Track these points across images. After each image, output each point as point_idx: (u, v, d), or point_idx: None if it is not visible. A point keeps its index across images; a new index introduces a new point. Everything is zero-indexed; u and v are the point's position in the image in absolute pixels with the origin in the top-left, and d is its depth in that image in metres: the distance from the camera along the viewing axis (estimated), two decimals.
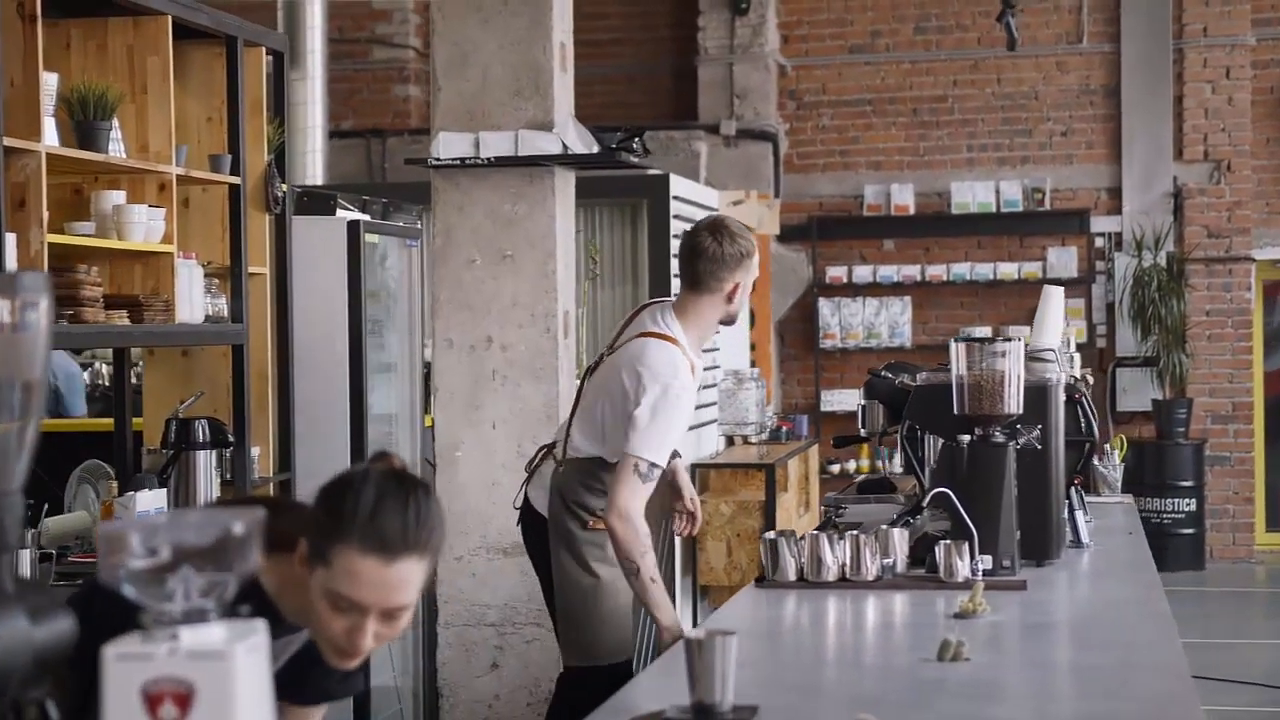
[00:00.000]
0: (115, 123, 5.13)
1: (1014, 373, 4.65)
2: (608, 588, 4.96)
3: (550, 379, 6.50)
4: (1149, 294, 13.04)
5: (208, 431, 5.65)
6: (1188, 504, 13.03)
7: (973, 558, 4.48)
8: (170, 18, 5.38)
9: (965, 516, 4.54)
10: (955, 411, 4.68)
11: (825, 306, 13.70)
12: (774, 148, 13.76)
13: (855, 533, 4.56)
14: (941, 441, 4.79)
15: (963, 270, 13.52)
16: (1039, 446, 4.81)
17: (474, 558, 6.61)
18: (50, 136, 4.83)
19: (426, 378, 7.02)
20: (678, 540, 8.26)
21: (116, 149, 5.14)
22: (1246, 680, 9.13)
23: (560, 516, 4.99)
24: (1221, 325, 13.42)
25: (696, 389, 4.97)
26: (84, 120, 4.98)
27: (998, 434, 4.68)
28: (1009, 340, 4.69)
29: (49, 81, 4.86)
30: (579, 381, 5.33)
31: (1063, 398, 4.97)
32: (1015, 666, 3.52)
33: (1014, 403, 4.66)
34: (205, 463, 5.65)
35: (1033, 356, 5.36)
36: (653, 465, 4.74)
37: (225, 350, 5.89)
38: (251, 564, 1.92)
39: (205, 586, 1.87)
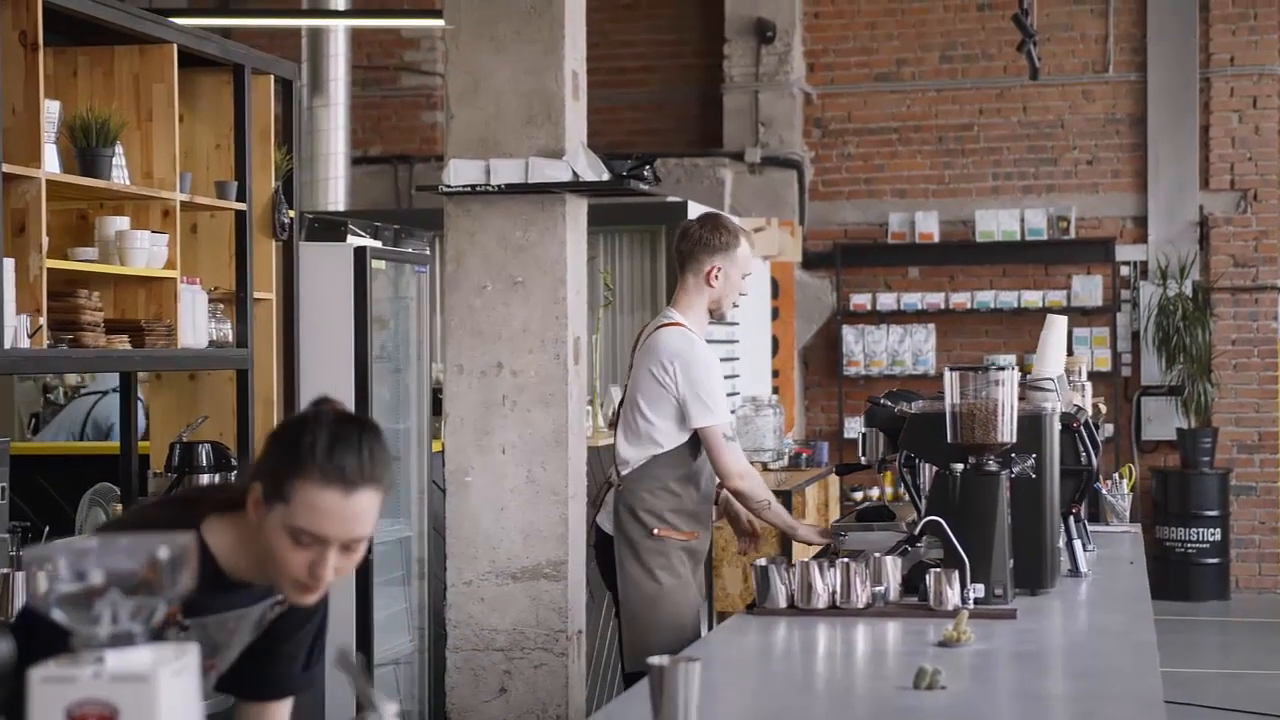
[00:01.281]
0: (119, 149, 5.18)
1: (1007, 402, 4.66)
2: (670, 594, 5.32)
3: (560, 405, 6.51)
4: (1174, 323, 13.00)
5: (211, 455, 5.69)
6: (1213, 534, 12.97)
7: (963, 586, 4.49)
8: (176, 46, 5.43)
9: (957, 544, 4.54)
10: (949, 440, 4.69)
11: (849, 334, 13.70)
12: (799, 175, 13.79)
13: (846, 560, 4.56)
14: (935, 470, 4.79)
15: (987, 298, 13.51)
16: (1033, 475, 4.81)
17: (483, 582, 6.62)
18: (51, 163, 4.89)
19: (434, 403, 7.05)
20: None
21: (120, 175, 5.19)
22: (1257, 711, 9.08)
23: (626, 526, 5.39)
24: (1248, 354, 13.37)
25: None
26: (86, 147, 5.03)
27: (991, 463, 4.68)
28: (1002, 369, 4.69)
29: (51, 109, 4.92)
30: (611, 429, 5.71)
31: (1058, 427, 4.97)
32: (989, 695, 3.52)
33: (1007, 431, 4.66)
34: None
35: (1032, 386, 5.36)
36: (730, 424, 5.31)
37: (231, 375, 5.93)
38: (182, 590, 1.94)
39: (133, 610, 1.89)
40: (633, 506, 5.40)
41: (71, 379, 8.52)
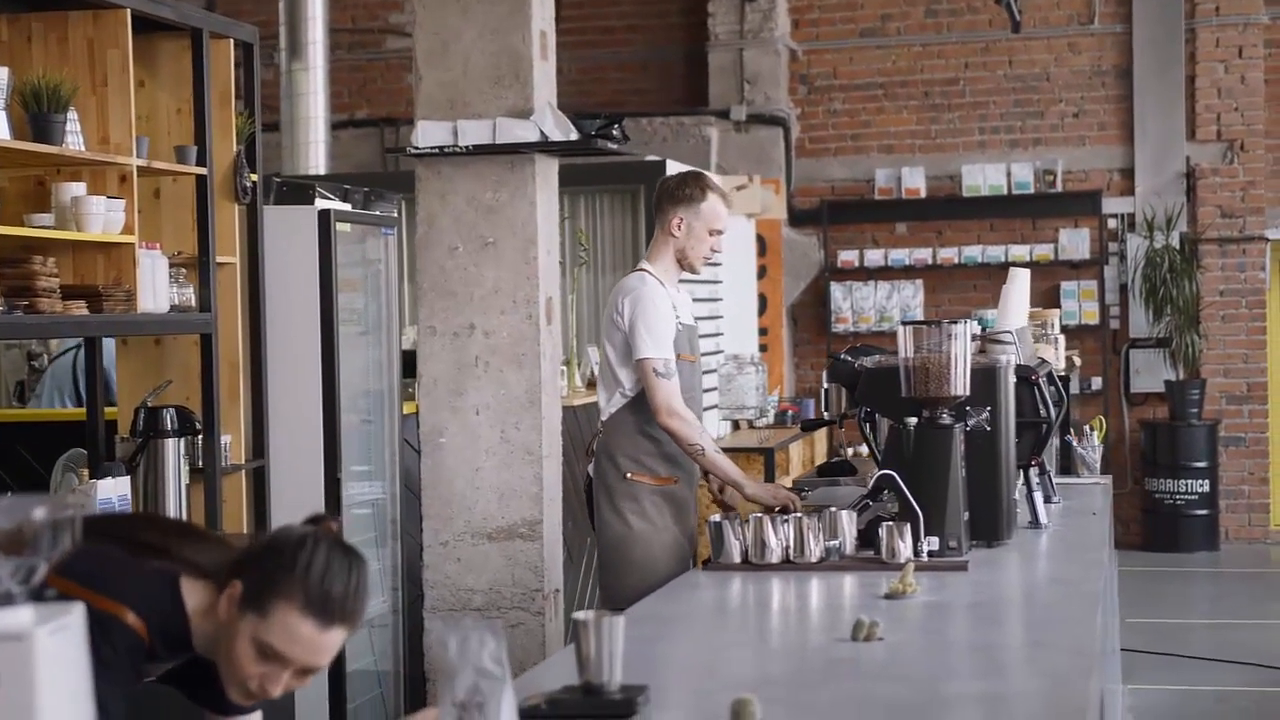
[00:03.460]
0: (73, 115, 5.18)
1: (960, 355, 4.67)
2: (640, 538, 5.44)
3: (533, 365, 6.51)
4: (1161, 275, 12.99)
5: (176, 420, 5.70)
6: (1201, 485, 12.99)
7: (916, 539, 4.50)
8: (129, 11, 5.41)
9: (910, 498, 4.56)
10: (903, 394, 4.70)
11: (837, 290, 13.70)
12: (785, 132, 13.76)
13: (799, 515, 4.58)
14: (889, 424, 4.81)
15: (974, 253, 13.50)
16: (988, 428, 4.83)
17: (459, 543, 6.64)
18: (1, 130, 4.88)
19: (404, 365, 7.06)
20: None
21: (75, 141, 5.19)
22: (1245, 661, 9.10)
23: (603, 471, 5.55)
24: (1235, 305, 13.36)
25: (673, 306, 5.55)
26: (38, 113, 5.03)
27: (945, 416, 4.70)
28: (954, 323, 4.70)
29: (0, 75, 4.91)
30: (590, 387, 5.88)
31: (1013, 380, 4.97)
32: (925, 646, 3.53)
33: (960, 385, 4.68)
34: (174, 450, 5.70)
35: (990, 338, 5.37)
36: (665, 361, 5.39)
37: (197, 339, 5.94)
38: (62, 549, 1.95)
39: (11, 570, 1.90)
40: (610, 451, 5.55)
41: (54, 345, 8.53)
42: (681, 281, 5.75)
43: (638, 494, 5.50)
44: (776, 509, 5.16)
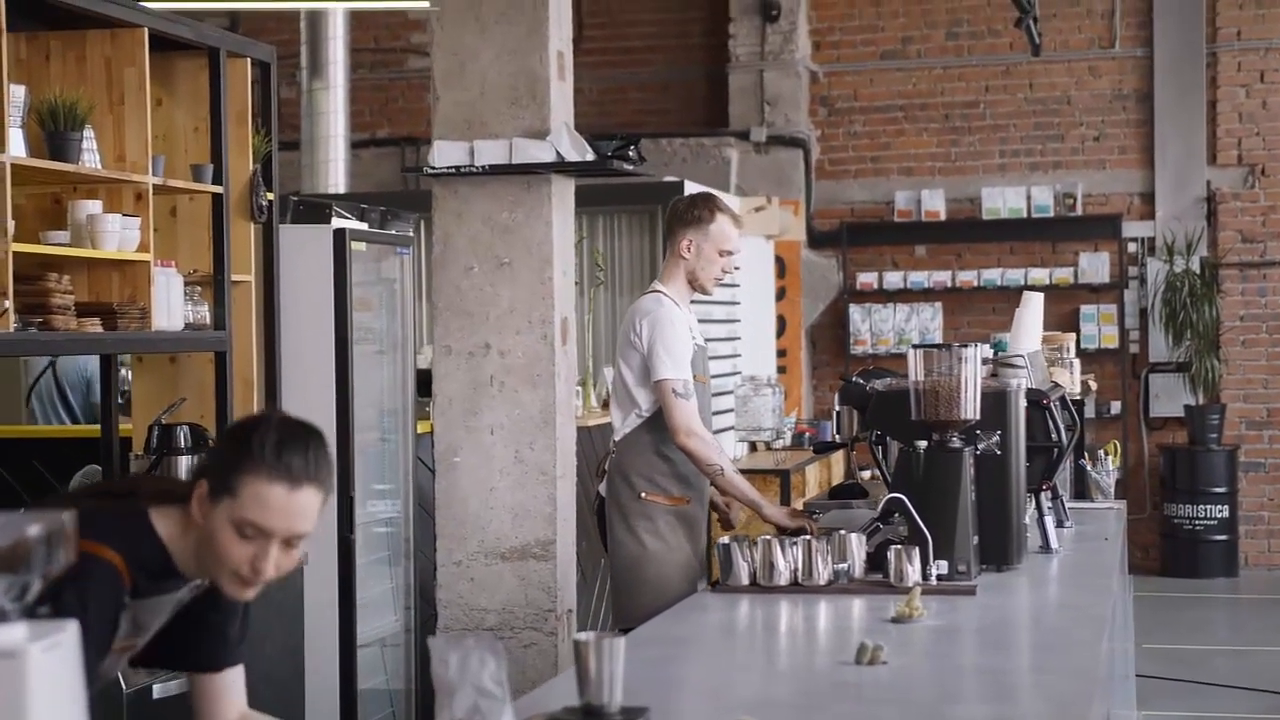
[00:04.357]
0: (89, 133, 5.21)
1: (971, 379, 4.67)
2: (654, 558, 5.48)
3: (548, 385, 6.52)
4: (1181, 299, 12.96)
5: (189, 437, 5.72)
6: (1220, 510, 12.94)
7: (925, 563, 4.50)
8: (147, 30, 5.45)
9: (920, 522, 4.56)
10: (913, 417, 4.70)
11: (856, 312, 13.69)
12: (805, 154, 13.78)
13: (808, 538, 4.58)
14: (900, 447, 4.81)
15: (994, 276, 13.48)
16: (998, 452, 4.82)
17: (472, 562, 6.64)
18: (17, 147, 4.91)
19: (420, 384, 7.07)
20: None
21: (91, 159, 5.22)
22: (1263, 689, 9.06)
23: (617, 490, 5.59)
24: (1256, 330, 13.32)
25: (689, 326, 5.61)
26: (55, 131, 5.06)
27: (955, 440, 4.69)
28: (965, 347, 4.70)
29: (16, 93, 4.94)
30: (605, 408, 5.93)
31: (1024, 404, 4.97)
32: (929, 670, 3.53)
33: (971, 408, 4.68)
34: (188, 468, 5.72)
35: (1003, 362, 5.37)
36: (684, 382, 5.43)
37: (211, 357, 5.96)
38: (58, 565, 1.96)
39: (4, 587, 1.91)
40: (625, 470, 5.58)
41: (34, 366, 8.57)
42: (694, 302, 5.77)
43: (652, 514, 5.53)
44: (788, 531, 5.17)
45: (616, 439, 5.67)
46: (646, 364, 5.50)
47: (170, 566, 2.95)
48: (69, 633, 1.96)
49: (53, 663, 1.91)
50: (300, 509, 2.87)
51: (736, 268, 5.87)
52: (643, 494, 5.54)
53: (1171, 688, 9.13)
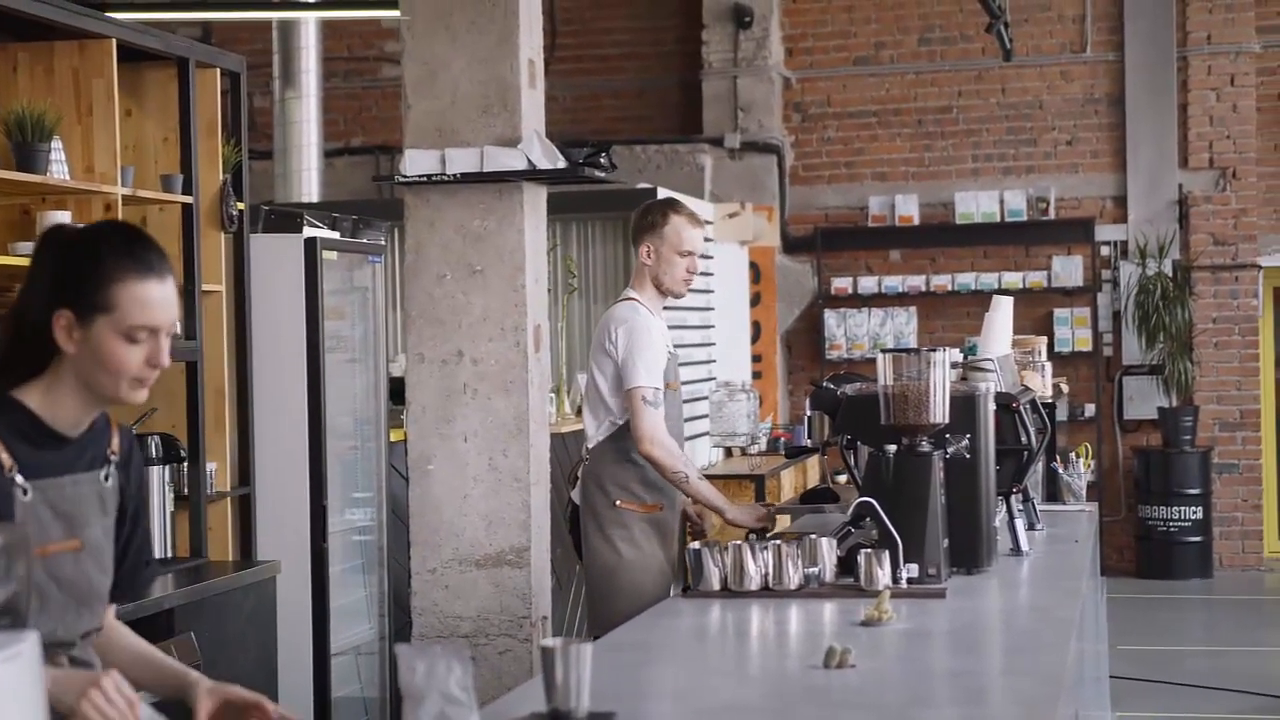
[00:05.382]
0: (58, 144, 5.21)
1: (939, 383, 4.68)
2: (630, 566, 5.51)
3: (520, 392, 6.52)
4: (1154, 302, 13.01)
5: (161, 447, 5.72)
6: (1194, 512, 12.99)
7: (895, 566, 4.51)
8: (115, 41, 5.45)
9: (890, 525, 4.57)
10: (882, 421, 4.72)
11: (831, 318, 13.72)
12: (779, 160, 13.80)
13: (778, 542, 4.59)
14: (869, 451, 4.82)
15: (968, 280, 13.52)
16: (968, 456, 4.84)
17: (446, 570, 6.64)
18: None
19: (393, 392, 7.07)
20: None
21: (60, 170, 5.22)
22: (1237, 689, 9.10)
23: (591, 497, 5.62)
24: (1228, 333, 13.37)
25: (663, 333, 5.67)
26: (23, 142, 5.06)
27: (924, 443, 4.71)
28: (933, 351, 4.72)
29: None
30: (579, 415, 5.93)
31: (992, 407, 4.99)
32: (897, 673, 3.54)
33: (940, 412, 4.69)
34: (159, 478, 5.72)
35: (972, 366, 5.39)
36: (655, 390, 5.46)
37: (182, 367, 5.96)
38: (17, 577, 1.97)
39: None
40: (599, 477, 5.62)
41: None
42: (667, 308, 5.79)
43: (627, 522, 5.57)
44: (757, 532, 5.19)
45: (590, 446, 5.70)
46: (620, 372, 5.52)
47: (45, 428, 2.94)
48: (29, 643, 1.97)
49: (12, 674, 1.92)
50: (171, 297, 2.95)
51: (706, 272, 5.89)
52: (617, 501, 5.58)
53: (1146, 689, 9.16)
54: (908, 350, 4.76)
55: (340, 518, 6.92)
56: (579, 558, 5.86)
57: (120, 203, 5.46)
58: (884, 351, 4.75)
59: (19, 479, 2.89)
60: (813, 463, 11.28)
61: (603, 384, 5.62)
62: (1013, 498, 5.32)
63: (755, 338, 13.17)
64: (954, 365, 5.05)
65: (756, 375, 13.00)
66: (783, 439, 10.98)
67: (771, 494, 9.57)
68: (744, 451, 10.47)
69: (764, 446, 10.72)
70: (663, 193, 10.00)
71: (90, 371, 2.92)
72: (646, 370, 5.49)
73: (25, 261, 5.18)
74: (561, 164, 6.58)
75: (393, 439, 7.12)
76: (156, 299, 2.91)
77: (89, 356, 2.91)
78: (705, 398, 10.16)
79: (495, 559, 6.29)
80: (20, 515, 2.87)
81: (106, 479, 3.06)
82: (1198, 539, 13.03)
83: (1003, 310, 5.88)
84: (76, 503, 2.99)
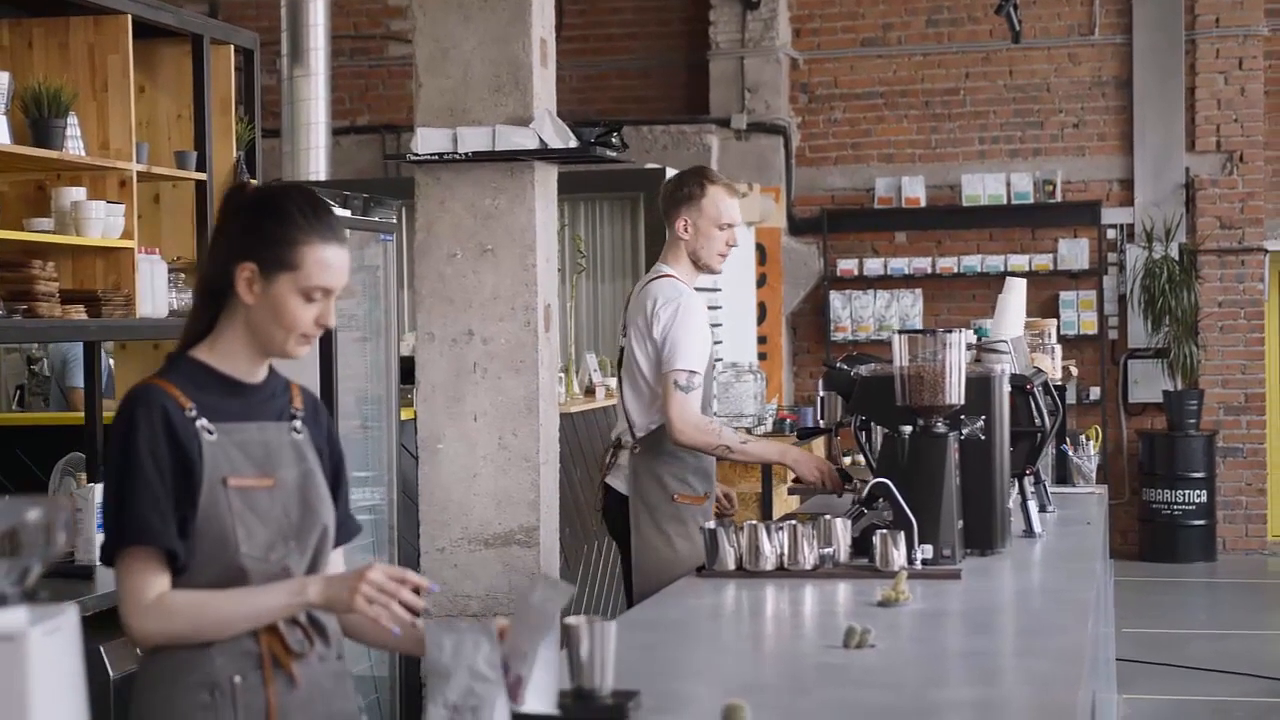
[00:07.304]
0: (73, 120, 5.20)
1: (955, 364, 4.68)
2: (683, 561, 5.25)
3: (531, 372, 6.52)
4: (1160, 285, 13.01)
5: None
6: (1199, 495, 13.00)
7: (910, 547, 4.51)
8: (130, 17, 5.44)
9: (905, 506, 4.58)
10: (898, 403, 4.72)
11: (836, 299, 13.72)
12: (785, 141, 13.79)
13: (793, 523, 4.59)
14: (883, 432, 4.82)
15: (974, 263, 13.52)
16: (982, 437, 4.84)
17: (456, 549, 6.65)
18: (1, 134, 4.91)
19: (403, 371, 7.07)
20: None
21: (75, 146, 5.22)
22: (1242, 671, 9.11)
23: (646, 490, 5.43)
24: (1234, 316, 13.37)
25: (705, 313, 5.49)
26: (39, 118, 5.05)
27: (939, 425, 4.71)
28: (949, 332, 4.72)
29: (0, 79, 4.94)
30: (616, 376, 5.79)
31: (1007, 389, 4.99)
32: (916, 654, 3.55)
33: (955, 393, 4.69)
34: None
35: (986, 348, 5.39)
36: (691, 374, 5.30)
37: None
38: (56, 549, 1.97)
39: (5, 571, 1.92)
40: (654, 469, 5.45)
41: (52, 349, 8.56)
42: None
43: (684, 517, 5.43)
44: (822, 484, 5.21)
45: (639, 434, 5.50)
46: (659, 352, 5.37)
47: (221, 376, 3.04)
48: (69, 616, 1.97)
49: (54, 646, 1.92)
50: (346, 262, 3.07)
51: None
52: (675, 495, 5.44)
53: (1151, 671, 9.18)
54: (924, 331, 4.75)
55: (350, 496, 6.91)
56: (618, 543, 5.70)
57: (135, 179, 5.46)
58: (900, 332, 4.73)
59: (203, 420, 2.98)
60: (821, 443, 11.29)
61: (645, 367, 5.45)
62: (1025, 480, 5.33)
63: (760, 319, 13.16)
64: (968, 347, 5.04)
65: (762, 356, 13.00)
66: (789, 420, 10.99)
67: (779, 475, 9.58)
68: (750, 432, 10.47)
69: (770, 428, 10.72)
70: (674, 173, 10.00)
71: (264, 323, 3.02)
72: (686, 354, 5.32)
73: (40, 237, 5.22)
74: (573, 143, 6.58)
75: (403, 418, 7.12)
76: (336, 263, 3.03)
77: (266, 309, 3.00)
78: (713, 378, 10.15)
79: (504, 539, 6.29)
80: (209, 454, 2.96)
81: (296, 431, 3.13)
82: (1202, 522, 13.05)
83: (1016, 292, 5.88)
84: (266, 448, 3.07)
